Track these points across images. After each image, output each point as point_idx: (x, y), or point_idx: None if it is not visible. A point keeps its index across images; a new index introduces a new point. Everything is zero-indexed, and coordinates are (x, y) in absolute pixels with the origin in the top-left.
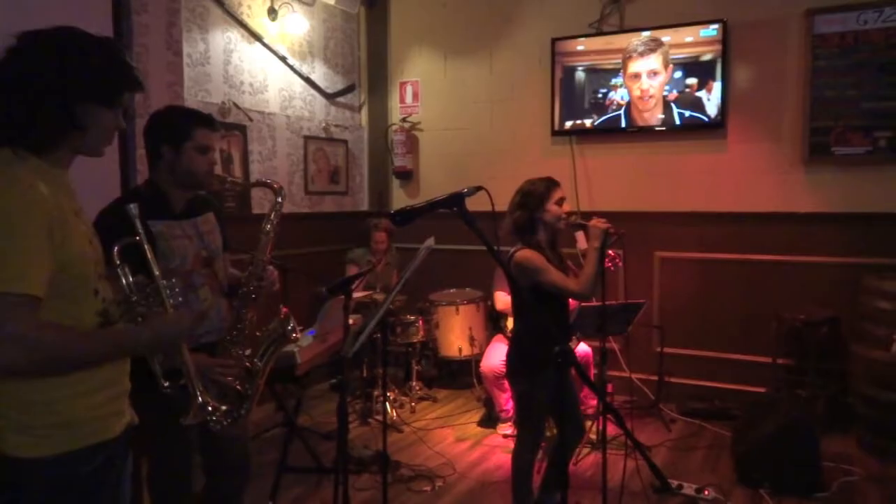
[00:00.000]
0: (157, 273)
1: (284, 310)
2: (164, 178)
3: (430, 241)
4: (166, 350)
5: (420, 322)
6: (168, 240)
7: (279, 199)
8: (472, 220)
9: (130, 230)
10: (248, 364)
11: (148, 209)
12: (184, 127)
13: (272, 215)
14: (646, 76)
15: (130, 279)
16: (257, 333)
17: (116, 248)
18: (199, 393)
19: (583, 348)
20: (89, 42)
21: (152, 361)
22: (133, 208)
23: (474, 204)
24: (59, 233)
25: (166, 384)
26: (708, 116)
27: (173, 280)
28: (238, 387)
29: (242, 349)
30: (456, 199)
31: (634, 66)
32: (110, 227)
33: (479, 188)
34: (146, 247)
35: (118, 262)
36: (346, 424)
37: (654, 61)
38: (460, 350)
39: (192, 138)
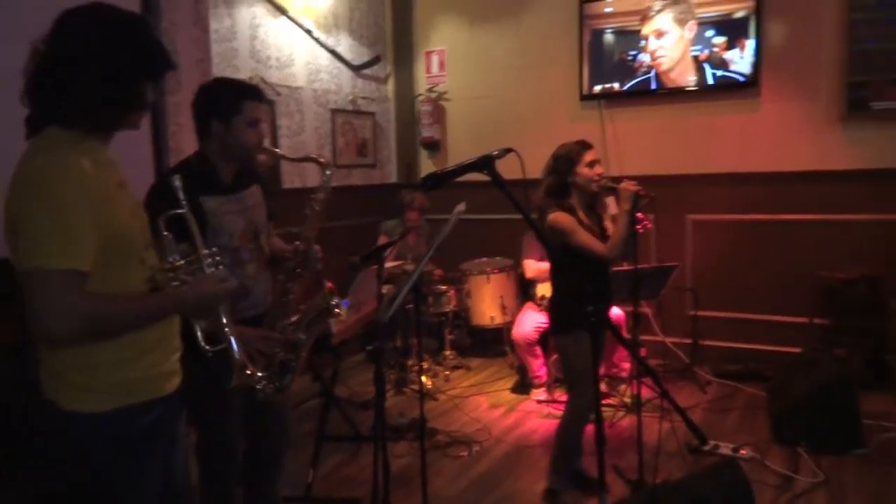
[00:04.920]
0: (199, 242)
1: (329, 285)
2: (214, 151)
3: (461, 207)
4: (206, 308)
5: (452, 292)
6: (218, 216)
7: (328, 173)
8: (503, 182)
9: (176, 202)
10: (291, 336)
11: (199, 183)
12: (233, 101)
13: (320, 193)
14: (653, 37)
15: (175, 248)
16: (301, 307)
17: (162, 218)
18: (236, 353)
19: (615, 312)
20: (134, 21)
21: (194, 325)
22: (175, 179)
23: (504, 171)
24: (103, 208)
25: (207, 347)
26: (742, 75)
27: (214, 249)
28: (282, 357)
29: (286, 320)
30: (486, 162)
31: (646, 28)
32: (158, 200)
33: (508, 150)
34: (188, 217)
35: (165, 232)
36: (384, 391)
37: (662, 20)
38: (492, 318)
39: (242, 112)
